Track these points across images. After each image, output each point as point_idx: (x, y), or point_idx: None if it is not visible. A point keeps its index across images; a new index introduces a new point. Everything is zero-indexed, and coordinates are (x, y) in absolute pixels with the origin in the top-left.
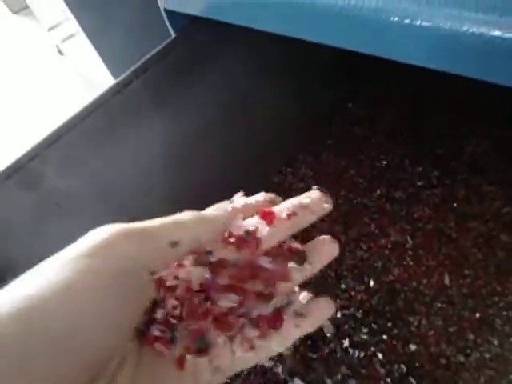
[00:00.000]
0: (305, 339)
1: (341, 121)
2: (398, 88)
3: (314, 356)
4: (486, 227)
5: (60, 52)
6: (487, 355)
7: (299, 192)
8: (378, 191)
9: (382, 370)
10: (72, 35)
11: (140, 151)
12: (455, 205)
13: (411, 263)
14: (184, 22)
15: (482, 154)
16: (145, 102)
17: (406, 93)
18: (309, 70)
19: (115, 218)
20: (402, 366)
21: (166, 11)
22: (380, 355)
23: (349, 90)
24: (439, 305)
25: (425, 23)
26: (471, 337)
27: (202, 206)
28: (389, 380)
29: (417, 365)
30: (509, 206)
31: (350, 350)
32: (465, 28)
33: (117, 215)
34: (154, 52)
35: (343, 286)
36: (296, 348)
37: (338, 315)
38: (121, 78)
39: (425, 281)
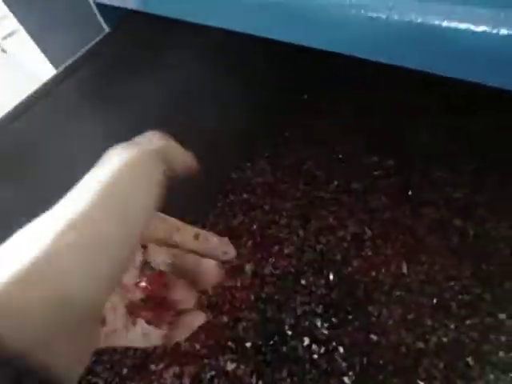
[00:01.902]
0: (266, 338)
1: (297, 113)
2: (353, 79)
3: (276, 355)
4: (440, 213)
5: (3, 50)
6: (445, 339)
7: (258, 187)
8: (336, 183)
9: (344, 364)
10: (13, 32)
11: (75, 156)
12: (410, 193)
13: (370, 253)
14: (119, 16)
15: (434, 142)
16: (77, 102)
17: (361, 84)
18: (261, 62)
19: None
20: (364, 357)
21: (97, 4)
22: (341, 349)
23: (304, 82)
24: (398, 293)
25: (358, 12)
26: (429, 322)
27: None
28: (351, 373)
29: (378, 355)
30: (460, 191)
31: (313, 346)
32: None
33: None
34: (84, 49)
35: (303, 281)
36: (258, 348)
37: (299, 312)
38: (49, 78)
39: (383, 270)
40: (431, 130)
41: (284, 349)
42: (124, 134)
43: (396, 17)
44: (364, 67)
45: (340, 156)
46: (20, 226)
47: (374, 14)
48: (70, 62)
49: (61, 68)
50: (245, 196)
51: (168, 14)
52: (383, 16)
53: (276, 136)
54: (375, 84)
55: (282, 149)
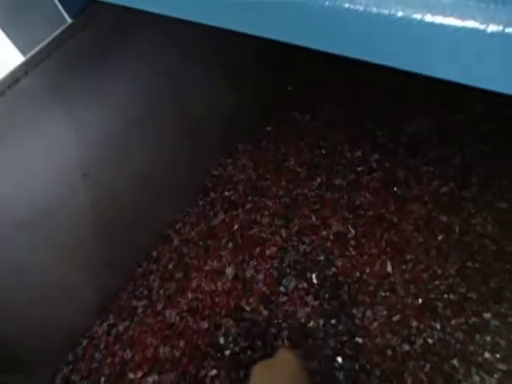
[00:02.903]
0: (248, 344)
1: (280, 106)
2: (336, 73)
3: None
4: (426, 209)
5: None
6: (430, 341)
7: (240, 184)
8: (318, 179)
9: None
10: None
11: (41, 156)
12: (395, 188)
13: (354, 253)
14: (81, 7)
15: (418, 135)
16: (40, 99)
17: (344, 78)
18: (242, 54)
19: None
20: (350, 361)
21: None
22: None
23: (288, 75)
24: (382, 293)
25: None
26: (414, 324)
27: (136, 206)
28: (341, 375)
29: (365, 359)
30: (446, 185)
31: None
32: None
33: (14, 229)
34: (45, 42)
35: (285, 285)
36: (238, 354)
37: (281, 318)
38: (7, 73)
39: (368, 270)
40: (416, 123)
41: (267, 354)
42: (89, 126)
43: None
44: (348, 61)
45: (323, 151)
46: None
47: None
48: (31, 53)
49: (22, 61)
50: (226, 194)
51: (130, 4)
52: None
53: (258, 131)
54: (359, 78)
55: (264, 143)
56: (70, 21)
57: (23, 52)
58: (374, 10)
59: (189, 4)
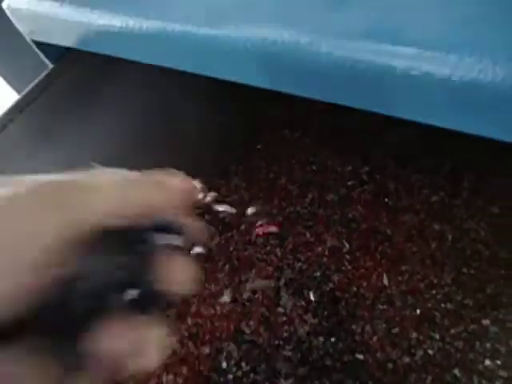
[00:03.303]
0: (250, 367)
1: (268, 125)
2: None
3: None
4: (418, 218)
5: None
6: (431, 352)
7: (234, 204)
8: (310, 196)
9: None
10: None
11: None
12: (386, 199)
13: (349, 267)
14: (61, 52)
15: (406, 143)
16: (29, 141)
17: None
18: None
19: None
20: (351, 379)
21: (35, 42)
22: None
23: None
24: (380, 307)
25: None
26: (414, 335)
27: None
28: None
29: (367, 375)
30: (436, 194)
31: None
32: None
33: None
34: (28, 89)
35: (283, 305)
36: (241, 378)
37: (280, 339)
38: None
39: (364, 283)
40: (403, 130)
41: (269, 376)
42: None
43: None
44: None
45: (314, 167)
46: None
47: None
48: (16, 100)
49: (3, 112)
50: (220, 216)
51: (109, 52)
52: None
53: (249, 149)
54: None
55: (255, 162)
56: (50, 66)
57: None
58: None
59: (162, 52)
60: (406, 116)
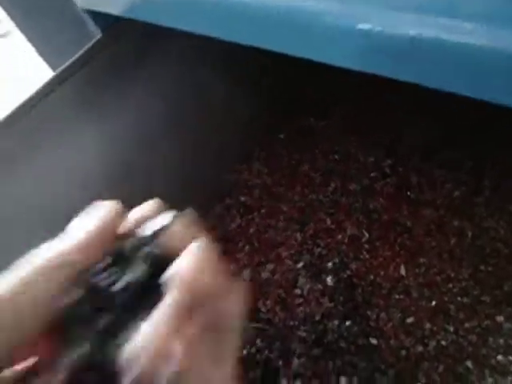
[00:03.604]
0: (267, 346)
1: (293, 113)
2: (350, 79)
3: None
4: (439, 213)
5: None
6: (444, 343)
7: (255, 189)
8: (333, 185)
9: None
10: (6, 34)
11: (67, 167)
12: (408, 193)
13: (368, 256)
14: (109, 22)
15: (430, 139)
16: (70, 112)
17: (358, 84)
18: (257, 60)
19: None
20: (365, 362)
21: (86, 11)
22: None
23: (302, 82)
24: (396, 296)
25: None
26: (428, 326)
27: None
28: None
29: (379, 359)
30: (458, 189)
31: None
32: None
33: (52, 230)
34: (76, 56)
35: (301, 287)
36: (254, 357)
37: (296, 320)
38: (39, 87)
39: (382, 273)
40: (428, 126)
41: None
42: (117, 140)
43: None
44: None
45: (337, 157)
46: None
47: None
48: (61, 68)
49: (52, 76)
50: (242, 199)
51: (156, 21)
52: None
53: (272, 137)
54: (373, 84)
55: (278, 149)
56: (99, 35)
57: (53, 67)
58: None
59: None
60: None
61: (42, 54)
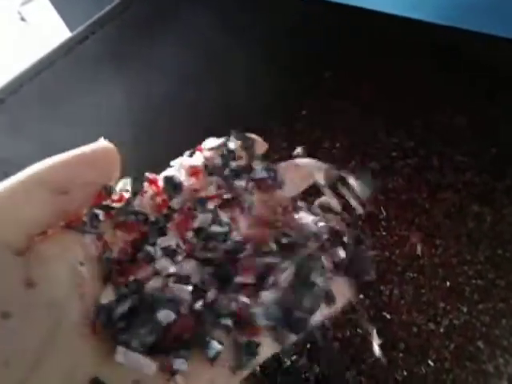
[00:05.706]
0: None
1: (316, 91)
2: (376, 59)
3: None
4: (458, 198)
5: (23, 19)
6: (456, 322)
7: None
8: (353, 162)
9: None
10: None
11: (96, 115)
12: (428, 176)
13: (384, 233)
14: None
15: (455, 125)
16: (101, 60)
17: (384, 64)
18: (283, 36)
19: None
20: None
21: None
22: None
23: (327, 60)
24: (411, 274)
25: None
26: (441, 305)
27: None
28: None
29: (391, 332)
30: (479, 176)
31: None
32: None
33: None
34: (110, 6)
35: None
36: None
37: None
38: (74, 33)
39: (397, 251)
40: (453, 113)
41: None
42: (141, 97)
43: None
44: (389, 47)
45: (358, 135)
46: None
47: None
48: (84, 26)
49: (75, 32)
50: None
51: None
52: None
53: (293, 114)
54: (398, 65)
55: (299, 126)
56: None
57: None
58: None
59: None
60: None
61: (62, 17)
